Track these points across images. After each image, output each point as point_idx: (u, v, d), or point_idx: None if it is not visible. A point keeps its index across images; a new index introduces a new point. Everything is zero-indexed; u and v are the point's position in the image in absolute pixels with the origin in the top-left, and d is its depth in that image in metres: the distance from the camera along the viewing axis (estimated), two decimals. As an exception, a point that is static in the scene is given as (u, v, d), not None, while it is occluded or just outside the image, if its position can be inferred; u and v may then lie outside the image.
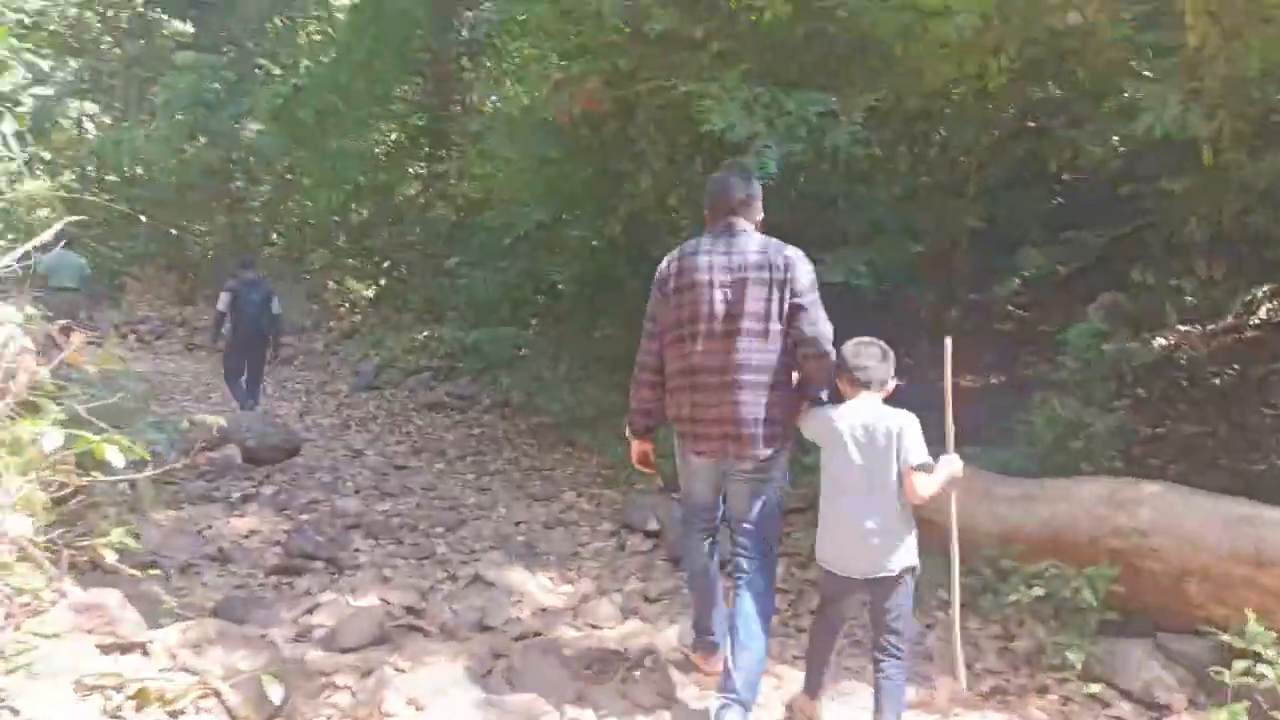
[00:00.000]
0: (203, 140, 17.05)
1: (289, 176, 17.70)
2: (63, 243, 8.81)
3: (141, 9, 19.58)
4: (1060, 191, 7.16)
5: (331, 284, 15.31)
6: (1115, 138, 5.62)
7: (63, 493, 2.84)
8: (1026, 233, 6.63)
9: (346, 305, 14.85)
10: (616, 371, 9.78)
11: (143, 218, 18.22)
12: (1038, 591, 3.55)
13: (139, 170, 18.46)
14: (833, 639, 2.90)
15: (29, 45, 18.36)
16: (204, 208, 18.25)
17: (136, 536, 3.98)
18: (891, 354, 2.91)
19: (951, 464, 2.82)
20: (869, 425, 2.71)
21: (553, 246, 10.58)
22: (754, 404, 2.80)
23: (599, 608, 3.91)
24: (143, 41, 19.73)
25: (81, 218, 18.30)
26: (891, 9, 4.60)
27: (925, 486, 2.65)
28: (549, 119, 6.16)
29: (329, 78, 13.66)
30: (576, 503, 5.97)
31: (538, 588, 4.11)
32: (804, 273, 2.83)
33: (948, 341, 3.11)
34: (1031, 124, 6.62)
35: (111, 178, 19.16)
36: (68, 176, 18.92)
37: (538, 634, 3.61)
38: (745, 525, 2.91)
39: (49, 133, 18.37)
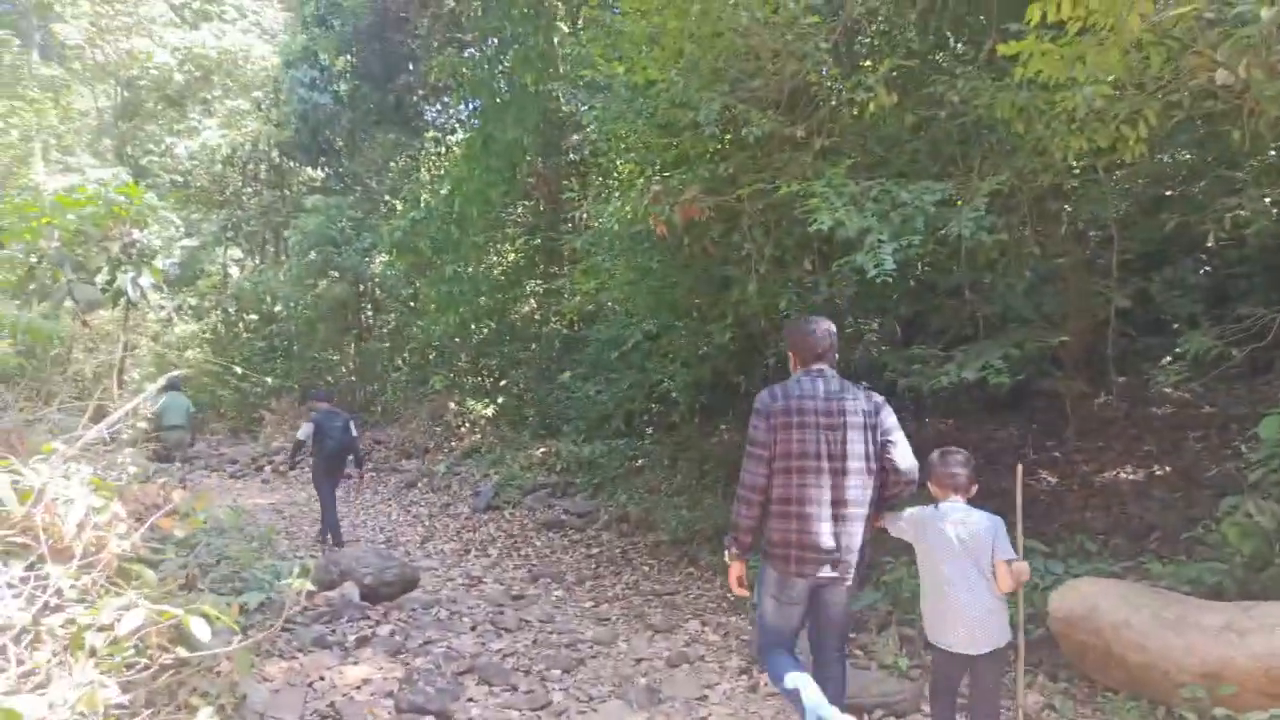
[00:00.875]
0: (333, 275, 18.04)
1: (412, 304, 18.50)
2: (168, 387, 10.78)
3: (277, 161, 21.30)
4: (1218, 264, 6.49)
5: (453, 405, 15.60)
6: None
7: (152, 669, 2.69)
8: (1184, 310, 5.98)
9: (467, 425, 15.06)
10: (734, 480, 9.40)
11: (277, 353, 19.35)
12: (1270, 752, 2.90)
13: (276, 308, 19.71)
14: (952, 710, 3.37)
15: (174, 199, 20.24)
16: (334, 339, 19.20)
17: (242, 700, 3.84)
18: (972, 460, 3.43)
19: (1024, 568, 3.29)
20: (966, 523, 3.23)
21: (664, 355, 10.45)
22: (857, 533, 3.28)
23: (732, 770, 3.46)
24: (277, 190, 21.39)
25: (223, 359, 19.64)
26: (1009, 89, 4.28)
27: (1010, 581, 3.18)
28: (649, 230, 6.04)
29: (444, 209, 14.31)
30: (702, 634, 5.53)
31: (662, 744, 3.69)
32: (889, 413, 3.39)
33: (1019, 468, 3.82)
34: (1169, 192, 6.08)
35: (252, 317, 20.52)
36: (213, 319, 20.35)
37: (664, 807, 3.20)
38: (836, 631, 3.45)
39: (195, 280, 19.95)
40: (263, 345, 20.04)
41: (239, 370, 19.11)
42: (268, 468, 15.64)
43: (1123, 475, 8.12)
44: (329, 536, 8.75)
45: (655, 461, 10.60)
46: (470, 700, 4.37)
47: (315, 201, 18.69)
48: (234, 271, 22.12)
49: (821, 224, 4.52)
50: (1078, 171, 5.18)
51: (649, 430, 11.71)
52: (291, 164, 21.63)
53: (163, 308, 20.36)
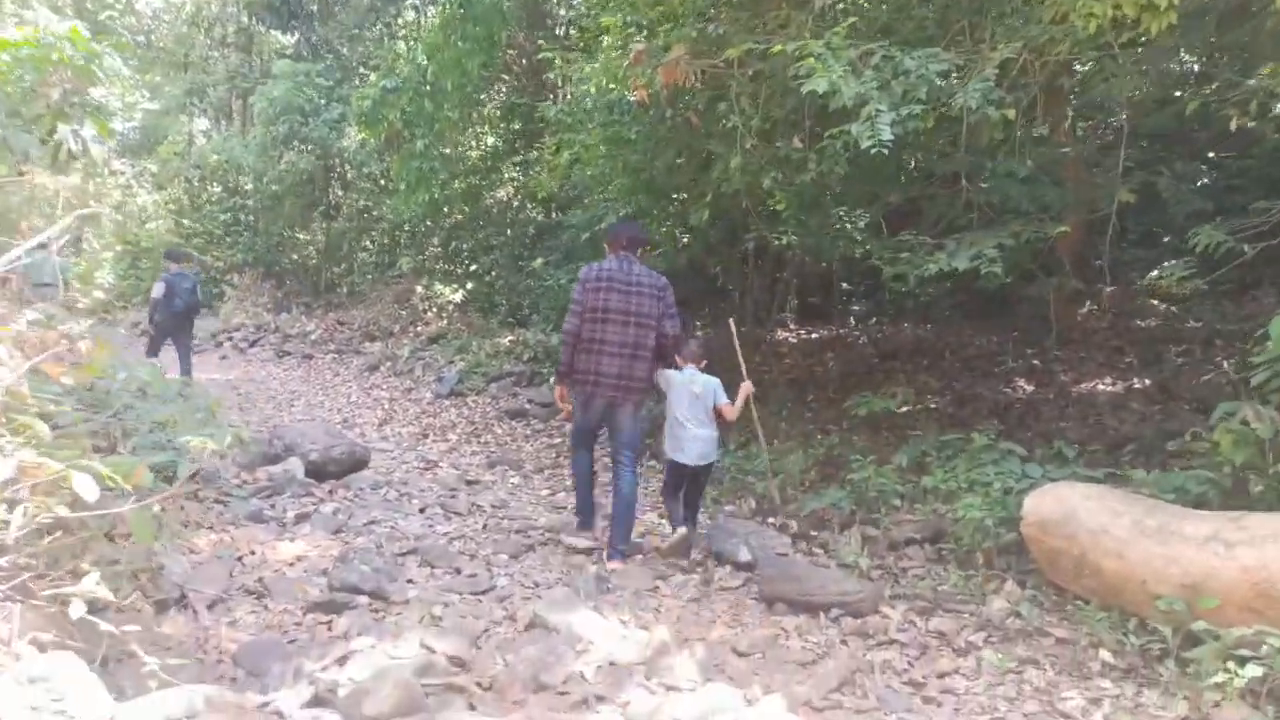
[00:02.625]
0: (299, 147, 17.17)
1: (383, 183, 17.73)
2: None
3: (245, 23, 20.04)
4: (1218, 175, 6.11)
5: (420, 289, 15.13)
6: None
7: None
8: (1193, 207, 5.63)
9: (434, 310, 14.63)
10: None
11: (242, 227, 18.59)
12: (1254, 671, 2.70)
13: (242, 180, 18.85)
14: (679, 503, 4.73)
15: (135, 60, 19.02)
16: (301, 216, 18.45)
17: (159, 570, 3.56)
18: (702, 341, 5.19)
19: (747, 387, 4.86)
20: (696, 381, 4.69)
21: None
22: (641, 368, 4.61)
23: (677, 663, 3.25)
24: (245, 55, 20.18)
25: (187, 228, 18.88)
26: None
27: (730, 414, 4.70)
28: (628, 97, 5.53)
29: (418, 79, 13.46)
30: (658, 526, 5.32)
31: (606, 634, 3.47)
32: (671, 293, 4.72)
33: (731, 322, 5.62)
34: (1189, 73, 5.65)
35: (216, 188, 19.65)
36: (176, 189, 19.46)
37: (601, 697, 2.98)
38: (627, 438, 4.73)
39: (156, 147, 18.95)
40: (226, 218, 19.25)
41: (198, 244, 18.41)
42: (226, 343, 15.20)
43: (1101, 386, 7.93)
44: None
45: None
46: (410, 581, 4.13)
47: (283, 67, 17.62)
48: (200, 141, 21.07)
49: (815, 87, 4.07)
50: (1095, 48, 4.72)
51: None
52: (261, 27, 20.37)
53: (122, 174, 19.44)
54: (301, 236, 19.05)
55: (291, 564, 4.24)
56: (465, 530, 5.09)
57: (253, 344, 15.19)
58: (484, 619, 3.68)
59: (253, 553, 4.28)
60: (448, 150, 14.31)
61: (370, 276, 16.99)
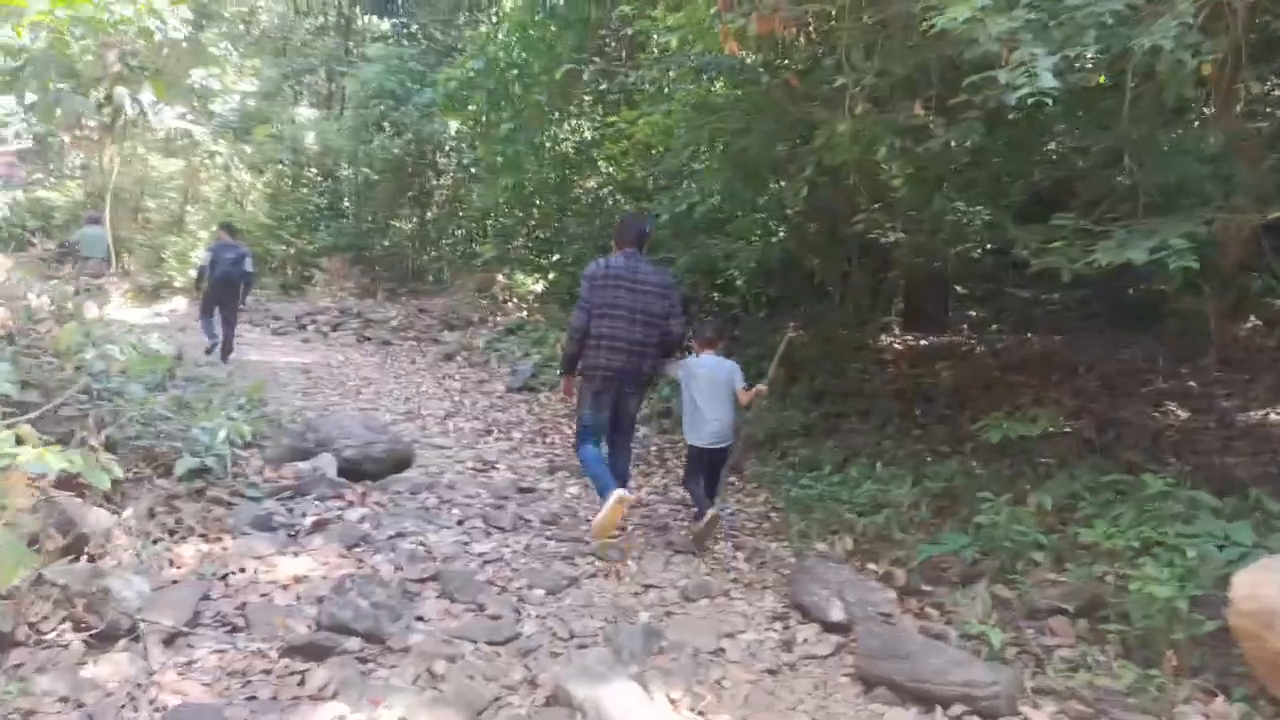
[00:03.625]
0: (390, 131, 16.92)
1: (473, 170, 17.33)
2: (90, 221, 12.33)
3: (344, 7, 20.00)
4: None
5: (501, 278, 14.59)
6: None
7: None
8: None
9: (514, 300, 14.06)
10: (802, 379, 8.20)
11: (335, 212, 18.51)
12: None
13: (335, 164, 18.78)
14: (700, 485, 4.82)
15: (238, 47, 19.18)
16: (393, 201, 18.23)
17: (104, 595, 2.90)
18: (722, 326, 6.37)
19: (761, 389, 4.86)
20: (713, 366, 4.81)
21: (728, 231, 9.11)
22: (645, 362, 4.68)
23: (741, 775, 2.39)
24: (343, 39, 20.13)
25: (280, 211, 18.92)
26: None
27: (746, 398, 4.76)
28: (715, 53, 4.67)
29: (504, 61, 12.88)
30: (732, 560, 4.45)
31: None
32: (676, 291, 4.84)
33: (789, 332, 5.70)
34: None
35: (311, 171, 19.66)
36: (271, 172, 19.51)
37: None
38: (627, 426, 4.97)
39: (251, 130, 19.01)
40: (320, 202, 19.23)
41: (290, 227, 18.41)
42: (310, 326, 15.01)
43: (1275, 416, 6.65)
44: (215, 350, 9.87)
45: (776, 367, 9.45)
46: (419, 620, 3.39)
47: (376, 50, 17.43)
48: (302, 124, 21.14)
49: (954, 17, 3.13)
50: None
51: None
52: (359, 12, 20.31)
53: (219, 154, 19.66)
54: (393, 223, 18.84)
55: (287, 586, 3.56)
56: (504, 551, 4.33)
57: (335, 328, 14.97)
58: (497, 681, 2.91)
59: (243, 570, 3.62)
60: (536, 137, 13.73)
61: (454, 264, 16.58)
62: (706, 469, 4.79)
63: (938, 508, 4.67)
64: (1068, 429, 6.34)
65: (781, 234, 9.29)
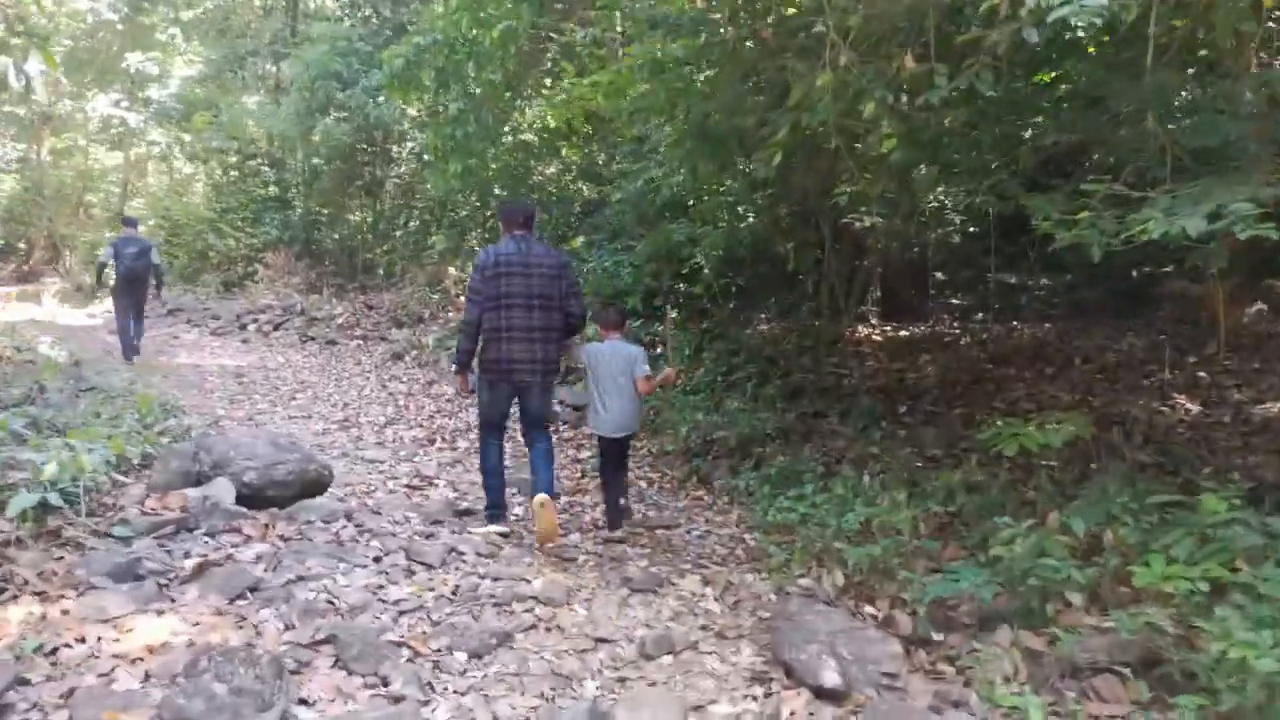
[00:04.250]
0: (336, 116, 15.95)
1: (425, 157, 16.43)
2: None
3: (286, -15, 18.94)
4: None
5: (454, 270, 13.76)
6: None
7: None
8: None
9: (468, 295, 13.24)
10: (771, 381, 7.48)
11: (280, 203, 17.50)
12: None
13: (277, 152, 17.78)
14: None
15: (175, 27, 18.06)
16: (340, 192, 17.27)
17: None
18: (623, 310, 5.61)
19: (666, 372, 5.06)
20: (619, 352, 4.70)
21: (694, 214, 8.42)
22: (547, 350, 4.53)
23: None
24: (288, 18, 19.08)
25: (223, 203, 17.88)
26: None
27: (646, 387, 4.67)
28: (681, 4, 3.94)
29: (454, 35, 12.01)
30: (700, 599, 3.75)
31: None
32: (570, 270, 4.69)
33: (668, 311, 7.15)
34: None
35: (256, 162, 18.62)
36: (212, 161, 18.44)
37: None
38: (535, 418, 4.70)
39: (189, 116, 17.95)
40: (264, 193, 18.19)
41: (234, 218, 17.40)
42: (251, 326, 14.09)
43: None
44: (127, 352, 9.87)
45: (674, 351, 8.73)
46: (301, 704, 2.64)
47: (321, 29, 16.43)
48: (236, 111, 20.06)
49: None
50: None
51: (672, 311, 9.80)
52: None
53: (156, 144, 18.55)
54: (343, 215, 17.89)
55: (138, 660, 2.79)
56: (425, 598, 3.59)
57: (277, 327, 14.08)
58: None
59: (82, 640, 2.84)
60: (489, 120, 12.90)
61: (405, 257, 15.70)
62: (609, 457, 4.74)
63: (939, 525, 4.00)
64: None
65: (751, 218, 8.62)
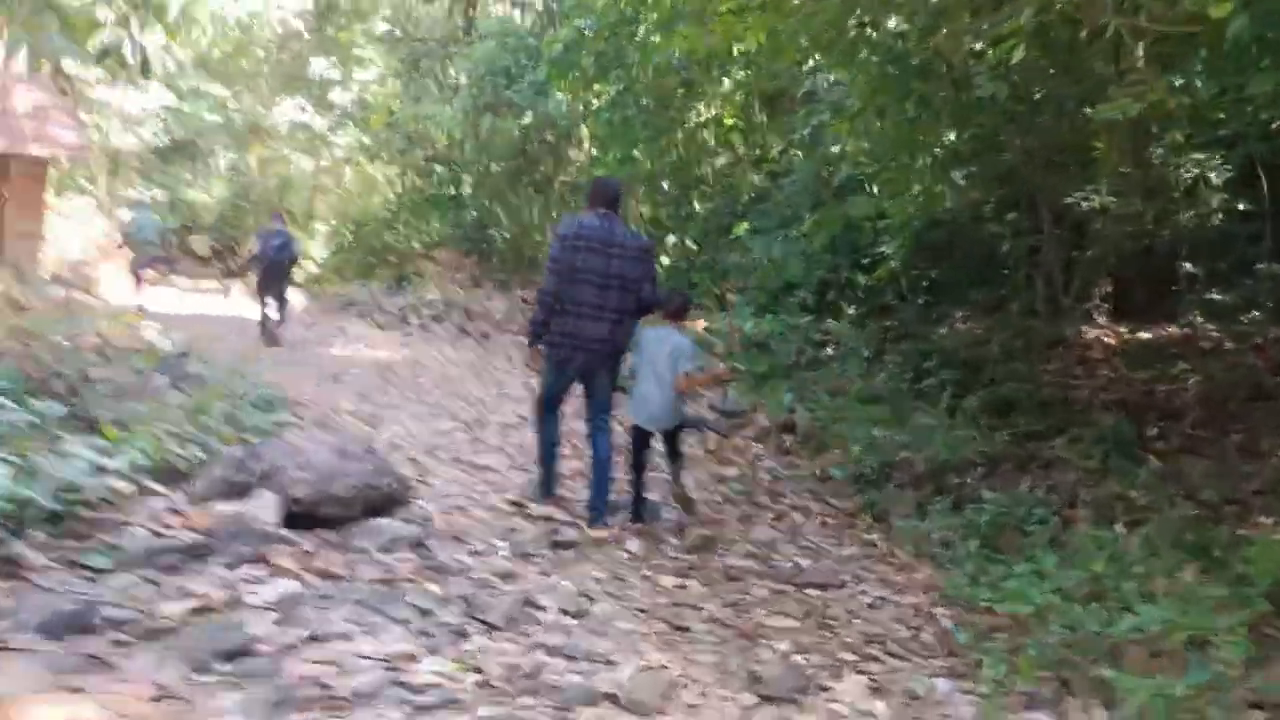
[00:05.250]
0: (503, 112, 15.61)
1: (595, 153, 15.81)
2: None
3: (462, -12, 18.91)
4: None
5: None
6: None
7: None
8: None
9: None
10: (973, 392, 5.96)
11: (446, 201, 17.46)
12: None
13: (446, 150, 17.75)
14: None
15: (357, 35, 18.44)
16: (506, 188, 16.99)
17: None
18: (688, 299, 5.11)
19: (716, 369, 5.40)
20: (668, 340, 4.50)
21: (879, 187, 7.01)
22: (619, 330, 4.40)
23: None
24: (465, 19, 19.08)
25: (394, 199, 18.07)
26: None
27: (682, 383, 4.45)
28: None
29: (615, 15, 11.11)
30: (849, 710, 2.46)
31: None
32: (651, 255, 4.66)
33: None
34: None
35: (428, 161, 18.73)
36: (387, 160, 18.72)
37: None
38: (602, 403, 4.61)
39: (368, 119, 18.29)
40: (436, 192, 18.24)
41: (406, 217, 17.53)
42: (413, 320, 13.95)
43: None
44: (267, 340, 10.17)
45: (850, 353, 7.35)
46: None
47: (489, 25, 16.20)
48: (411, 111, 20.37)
49: None
50: None
51: (849, 309, 8.40)
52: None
53: (335, 147, 19.10)
54: (512, 210, 17.63)
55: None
56: (463, 683, 2.54)
57: (438, 321, 13.91)
58: None
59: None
60: (650, 103, 11.96)
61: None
62: (636, 450, 4.60)
63: (1261, 637, 2.48)
64: None
65: (961, 186, 7.05)
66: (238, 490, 3.68)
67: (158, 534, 3.27)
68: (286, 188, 23.97)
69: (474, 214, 17.29)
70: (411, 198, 17.75)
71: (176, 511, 3.49)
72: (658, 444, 4.70)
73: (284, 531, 3.49)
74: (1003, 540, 3.52)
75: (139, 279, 11.96)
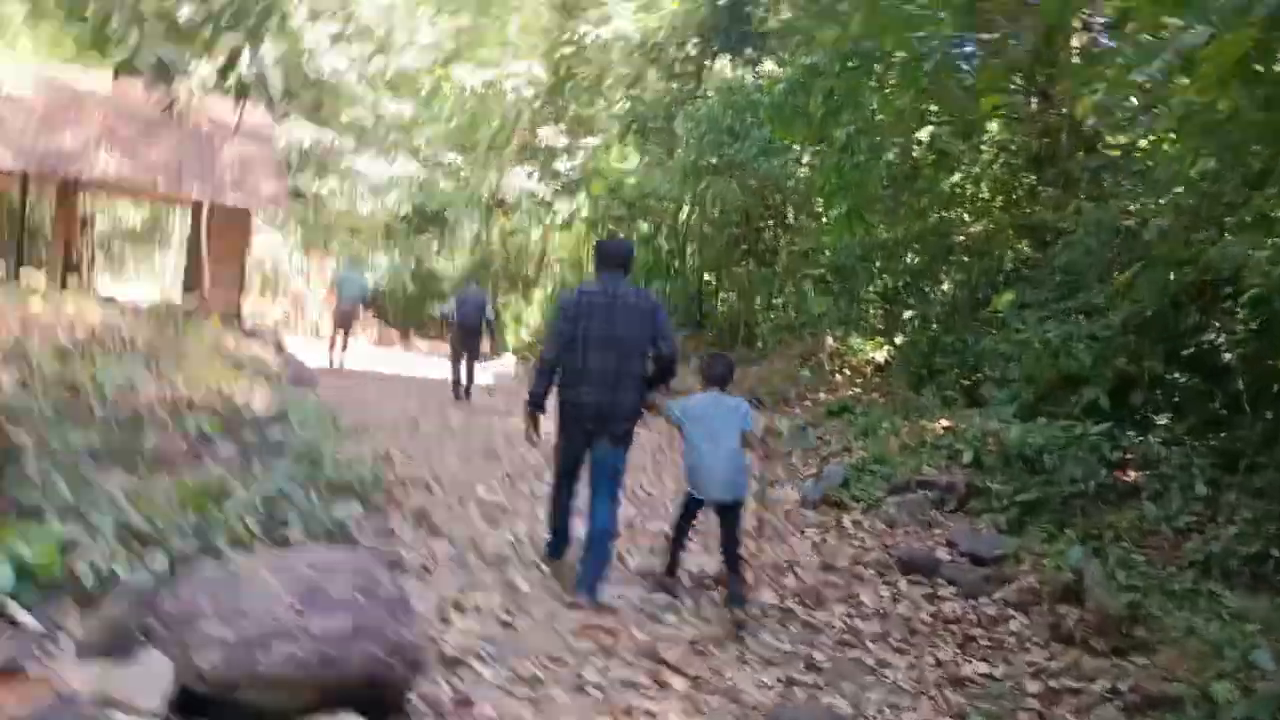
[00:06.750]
0: (722, 173, 14.31)
1: (825, 219, 14.08)
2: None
3: (692, 51, 18.13)
4: None
5: (832, 341, 10.95)
6: None
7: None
8: None
9: (846, 371, 10.33)
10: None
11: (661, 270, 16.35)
12: None
13: (665, 215, 16.73)
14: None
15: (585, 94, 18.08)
16: (721, 255, 15.61)
17: None
18: (731, 363, 4.58)
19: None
20: (721, 405, 4.21)
21: (1222, 226, 4.73)
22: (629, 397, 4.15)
23: None
24: (692, 79, 18.25)
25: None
26: None
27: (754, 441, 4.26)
28: None
29: (844, 52, 9.40)
30: None
31: None
32: (664, 313, 4.28)
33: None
34: None
35: (645, 227, 17.83)
36: (602, 222, 18.05)
37: None
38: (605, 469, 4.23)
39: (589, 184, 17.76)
40: (650, 260, 17.20)
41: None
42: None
43: None
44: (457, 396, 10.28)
45: (1169, 479, 4.95)
46: None
47: (717, 81, 15.10)
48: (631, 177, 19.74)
49: None
50: None
51: (1160, 417, 5.93)
52: (710, 56, 18.33)
53: (555, 212, 18.71)
54: (733, 282, 16.22)
55: None
56: None
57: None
58: None
59: None
60: (890, 155, 10.08)
61: (784, 328, 13.28)
62: (723, 531, 4.15)
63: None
64: None
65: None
66: (120, 645, 2.24)
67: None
68: (522, 256, 24.21)
69: (688, 281, 16.05)
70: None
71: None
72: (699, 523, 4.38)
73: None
74: None
75: (336, 333, 12.23)
